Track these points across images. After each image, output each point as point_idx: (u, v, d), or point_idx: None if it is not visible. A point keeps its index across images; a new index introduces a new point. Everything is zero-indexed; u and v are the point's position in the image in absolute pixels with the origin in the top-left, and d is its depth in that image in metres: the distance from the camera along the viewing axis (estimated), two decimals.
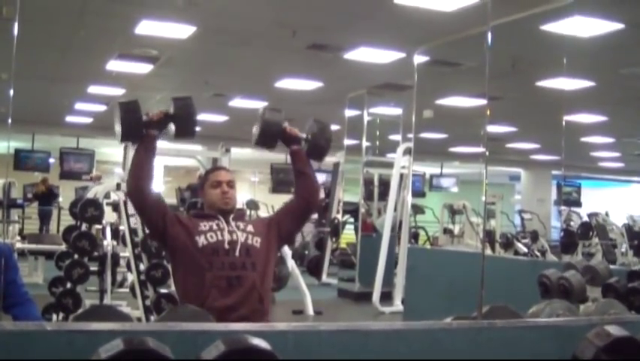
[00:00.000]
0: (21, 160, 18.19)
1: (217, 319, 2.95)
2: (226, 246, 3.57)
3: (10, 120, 10.80)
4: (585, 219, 15.18)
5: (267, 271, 3.65)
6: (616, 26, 8.07)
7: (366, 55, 10.07)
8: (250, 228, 3.70)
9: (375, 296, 10.81)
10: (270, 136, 3.80)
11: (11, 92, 10.52)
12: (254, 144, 3.86)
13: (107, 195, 8.57)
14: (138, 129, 3.61)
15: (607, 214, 16.14)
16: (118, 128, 3.61)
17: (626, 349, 2.09)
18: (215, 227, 3.64)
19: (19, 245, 12.16)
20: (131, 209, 7.26)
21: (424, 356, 2.14)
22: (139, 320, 6.86)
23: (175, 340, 1.73)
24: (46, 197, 18.77)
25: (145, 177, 3.66)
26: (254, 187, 28.13)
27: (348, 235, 15.95)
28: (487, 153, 7.11)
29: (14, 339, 1.71)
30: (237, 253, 3.56)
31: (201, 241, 3.57)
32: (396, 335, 2.20)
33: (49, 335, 1.79)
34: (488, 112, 6.48)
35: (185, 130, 3.71)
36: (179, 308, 2.92)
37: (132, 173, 3.72)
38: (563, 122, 9.43)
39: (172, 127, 3.72)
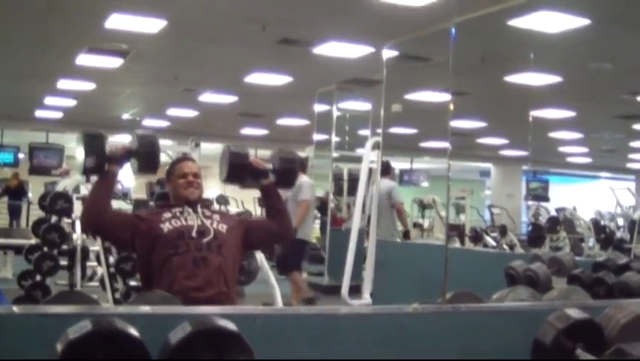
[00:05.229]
0: None
1: (184, 300, 2.97)
2: (193, 230, 3.60)
3: None
4: (553, 213, 15.32)
5: (232, 258, 3.68)
6: (582, 22, 8.14)
7: (336, 49, 10.09)
8: (217, 216, 3.75)
9: (344, 290, 10.83)
10: (239, 168, 3.86)
11: None
12: (224, 180, 3.91)
13: (76, 189, 8.53)
14: (101, 164, 3.63)
15: (575, 209, 16.30)
16: (81, 160, 3.61)
17: (585, 331, 2.14)
18: (178, 214, 3.68)
19: None
20: None
21: (390, 339, 2.17)
22: None
23: (144, 323, 1.74)
24: (17, 192, 18.68)
25: (103, 208, 3.67)
26: None
27: (316, 229, 15.96)
28: (451, 148, 7.19)
29: None
30: (203, 236, 3.60)
31: (166, 227, 3.61)
32: (363, 319, 2.23)
33: (18, 318, 1.81)
34: (452, 106, 6.55)
35: (148, 166, 3.75)
36: (148, 294, 2.94)
37: (90, 205, 3.73)
38: (530, 118, 9.54)
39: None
